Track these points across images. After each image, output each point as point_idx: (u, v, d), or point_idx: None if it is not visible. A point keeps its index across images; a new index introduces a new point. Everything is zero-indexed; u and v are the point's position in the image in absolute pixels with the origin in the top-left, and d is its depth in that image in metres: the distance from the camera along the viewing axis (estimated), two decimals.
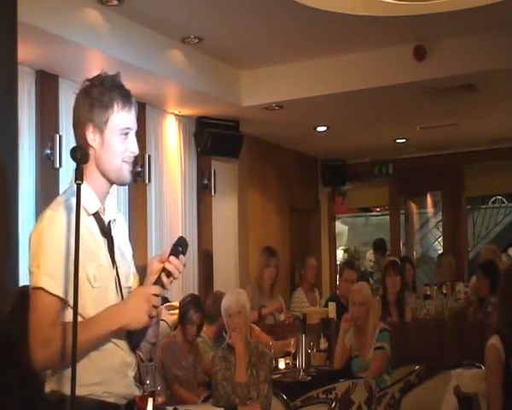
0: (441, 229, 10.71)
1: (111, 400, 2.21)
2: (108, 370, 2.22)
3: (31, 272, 2.18)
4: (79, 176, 2.15)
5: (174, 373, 5.07)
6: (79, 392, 2.08)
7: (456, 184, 9.89)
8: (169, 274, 2.25)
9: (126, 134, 2.32)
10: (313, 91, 6.84)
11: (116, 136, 2.29)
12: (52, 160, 5.62)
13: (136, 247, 6.51)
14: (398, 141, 9.14)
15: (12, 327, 3.16)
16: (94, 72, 6.03)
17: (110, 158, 2.29)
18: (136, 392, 2.34)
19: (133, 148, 2.33)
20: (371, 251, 10.85)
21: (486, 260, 7.18)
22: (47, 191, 5.61)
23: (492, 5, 4.94)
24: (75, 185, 2.18)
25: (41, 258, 2.16)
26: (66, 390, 2.11)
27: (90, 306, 2.21)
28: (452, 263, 7.76)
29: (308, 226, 9.97)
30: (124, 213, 6.44)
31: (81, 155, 2.18)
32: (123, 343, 2.27)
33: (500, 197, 12.36)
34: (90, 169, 2.30)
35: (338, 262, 10.58)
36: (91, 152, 2.28)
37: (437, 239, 11.46)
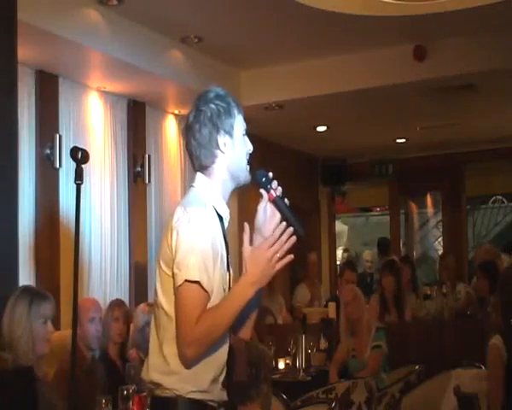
0: (441, 229, 10.71)
1: (214, 405, 2.35)
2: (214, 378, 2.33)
3: (183, 265, 2.21)
4: (79, 176, 2.16)
5: None
6: (194, 395, 2.26)
7: (456, 184, 9.88)
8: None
9: (244, 135, 2.50)
10: (313, 91, 6.85)
11: (240, 137, 2.47)
12: (52, 160, 5.62)
13: (135, 247, 6.52)
14: (398, 141, 9.15)
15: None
16: (94, 72, 6.01)
17: (239, 159, 2.45)
18: (226, 397, 2.42)
19: (250, 146, 2.52)
20: (368, 251, 10.85)
21: (486, 260, 7.17)
22: (47, 191, 5.62)
23: (492, 5, 4.96)
24: (198, 190, 2.37)
25: (196, 253, 2.22)
26: (182, 390, 2.26)
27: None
28: (454, 263, 7.76)
29: (308, 226, 9.96)
30: (124, 213, 6.46)
31: (81, 155, 2.18)
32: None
33: (500, 197, 12.37)
34: (220, 174, 2.41)
35: (338, 262, 10.58)
36: (221, 158, 2.41)
37: (437, 239, 11.46)
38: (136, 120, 6.56)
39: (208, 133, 2.39)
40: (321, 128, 8.24)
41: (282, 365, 5.51)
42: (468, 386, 4.00)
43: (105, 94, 6.26)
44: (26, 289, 3.37)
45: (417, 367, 5.23)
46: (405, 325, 6.34)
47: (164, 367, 2.28)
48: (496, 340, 3.75)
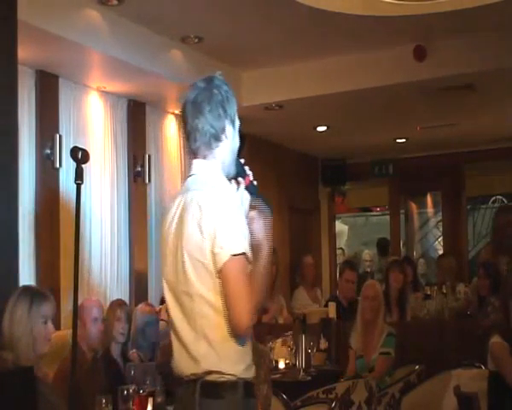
0: (441, 229, 10.71)
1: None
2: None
3: (226, 241, 2.22)
4: (79, 176, 2.16)
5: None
6: (245, 374, 2.39)
7: (456, 184, 9.89)
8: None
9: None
10: (313, 91, 6.84)
11: (237, 130, 2.46)
12: (52, 160, 5.62)
13: (135, 247, 6.53)
14: (398, 141, 9.15)
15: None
16: (94, 72, 6.02)
17: (234, 151, 2.45)
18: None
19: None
20: (367, 251, 10.85)
21: (488, 259, 7.18)
22: (47, 191, 5.62)
23: (492, 5, 4.95)
24: (204, 176, 2.35)
25: (237, 227, 2.25)
26: (237, 372, 2.35)
27: None
28: (452, 264, 7.75)
29: (308, 226, 9.97)
30: (124, 213, 6.46)
31: (81, 155, 2.19)
32: None
33: (500, 197, 12.36)
34: (220, 161, 2.41)
35: (338, 262, 10.58)
36: (224, 145, 2.39)
37: (437, 239, 11.46)
38: (136, 120, 6.55)
39: (218, 116, 2.38)
40: (321, 128, 8.24)
41: (282, 364, 5.50)
42: (468, 386, 4.00)
43: (105, 94, 6.26)
44: (27, 289, 3.37)
45: (417, 367, 5.23)
46: (405, 324, 6.34)
47: (215, 355, 2.30)
48: (497, 339, 3.75)
